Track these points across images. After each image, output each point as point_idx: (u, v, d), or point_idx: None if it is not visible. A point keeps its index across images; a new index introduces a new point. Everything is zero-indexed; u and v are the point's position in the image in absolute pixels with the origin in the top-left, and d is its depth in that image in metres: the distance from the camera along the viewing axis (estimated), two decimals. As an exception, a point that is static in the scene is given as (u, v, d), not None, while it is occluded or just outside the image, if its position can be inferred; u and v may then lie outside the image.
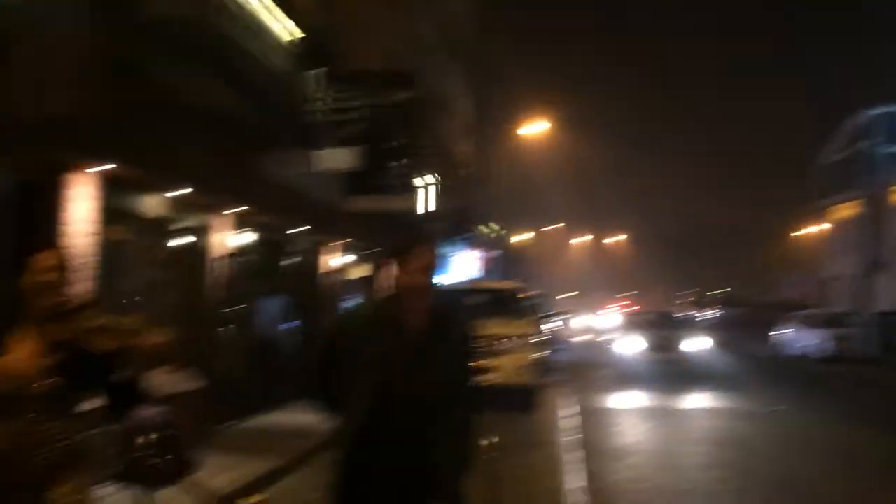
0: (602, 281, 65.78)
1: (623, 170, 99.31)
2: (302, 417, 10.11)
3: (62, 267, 3.03)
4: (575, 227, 67.75)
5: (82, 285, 5.31)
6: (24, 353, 2.89)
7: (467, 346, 2.95)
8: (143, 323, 3.05)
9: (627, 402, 14.18)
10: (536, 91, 46.16)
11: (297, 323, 11.77)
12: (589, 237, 71.87)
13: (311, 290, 12.64)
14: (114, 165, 6.49)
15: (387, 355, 2.72)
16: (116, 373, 3.02)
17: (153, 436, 4.62)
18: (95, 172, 6.49)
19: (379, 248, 15.78)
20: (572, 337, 33.17)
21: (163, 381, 6.72)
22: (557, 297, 47.30)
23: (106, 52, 6.07)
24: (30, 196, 5.98)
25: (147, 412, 6.02)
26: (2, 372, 2.80)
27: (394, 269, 2.81)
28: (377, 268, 16.71)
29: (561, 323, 25.36)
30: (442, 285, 3.09)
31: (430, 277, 2.80)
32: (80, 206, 6.36)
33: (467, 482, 2.84)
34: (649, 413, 12.94)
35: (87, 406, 3.07)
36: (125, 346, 2.96)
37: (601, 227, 70.62)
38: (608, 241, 71.93)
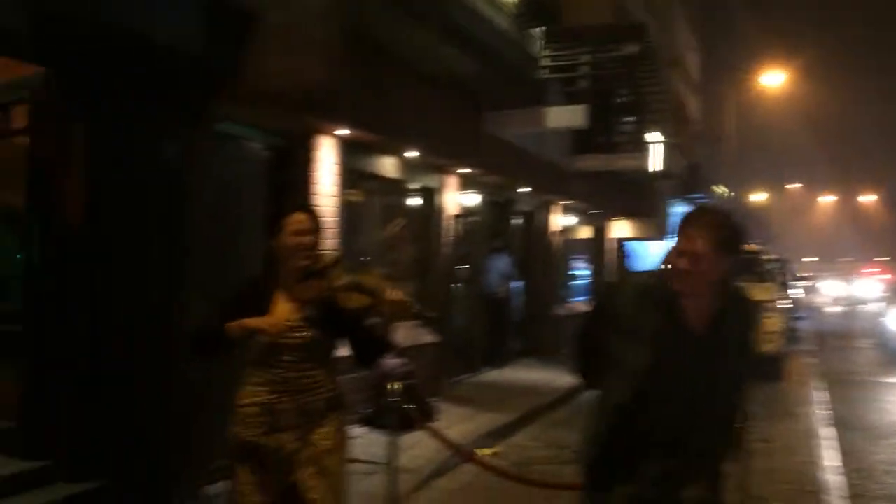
0: (849, 245, 59.85)
1: (878, 122, 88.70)
2: (529, 375, 10.27)
3: (314, 228, 3.11)
4: (818, 187, 61.99)
5: (328, 244, 5.63)
6: (283, 309, 3.04)
7: (749, 338, 2.64)
8: (384, 280, 3.10)
9: (893, 377, 12.60)
10: (774, 39, 42.15)
11: (522, 282, 11.82)
12: (834, 198, 65.54)
13: (537, 249, 12.63)
14: (352, 130, 6.82)
15: (659, 339, 2.47)
16: (364, 327, 3.10)
17: (397, 385, 4.86)
18: (337, 137, 6.86)
19: (605, 209, 15.40)
20: (821, 305, 30.63)
21: (403, 334, 7.06)
22: (799, 262, 43.74)
23: (346, 22, 6.33)
24: (282, 161, 6.44)
25: (391, 363, 6.37)
26: (269, 326, 2.97)
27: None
28: (603, 228, 16.35)
29: (804, 289, 23.36)
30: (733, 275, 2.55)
31: (701, 266, 2.36)
32: (325, 169, 6.76)
33: (728, 465, 2.64)
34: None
35: (338, 356, 3.20)
36: (371, 303, 3.02)
37: (849, 187, 64.03)
38: (859, 199, 65.11)
